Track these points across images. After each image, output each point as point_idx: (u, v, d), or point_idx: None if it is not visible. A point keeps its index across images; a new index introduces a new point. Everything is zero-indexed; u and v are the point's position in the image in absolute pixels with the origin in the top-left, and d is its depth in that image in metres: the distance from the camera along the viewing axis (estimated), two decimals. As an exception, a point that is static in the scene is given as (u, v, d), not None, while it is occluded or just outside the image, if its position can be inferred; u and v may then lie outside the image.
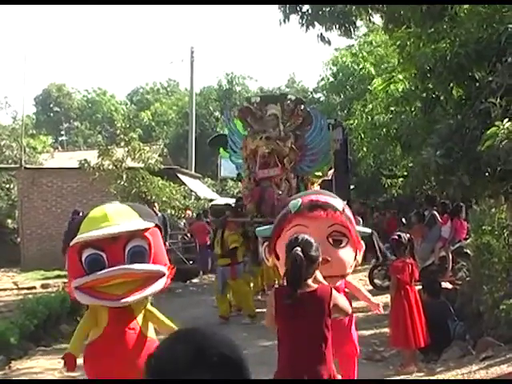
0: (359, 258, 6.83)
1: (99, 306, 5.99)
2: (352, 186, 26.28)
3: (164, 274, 6.13)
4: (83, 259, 5.89)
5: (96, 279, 5.79)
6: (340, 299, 5.52)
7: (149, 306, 6.28)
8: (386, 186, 23.75)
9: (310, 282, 5.30)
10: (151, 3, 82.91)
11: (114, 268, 5.78)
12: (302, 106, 16.10)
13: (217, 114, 51.38)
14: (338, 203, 6.60)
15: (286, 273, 5.34)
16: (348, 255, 6.63)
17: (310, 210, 6.43)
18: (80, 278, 5.88)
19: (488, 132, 7.84)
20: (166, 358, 2.00)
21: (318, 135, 15.70)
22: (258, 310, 14.43)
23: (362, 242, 6.86)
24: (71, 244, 6.01)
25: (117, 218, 5.95)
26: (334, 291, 5.36)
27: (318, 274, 5.50)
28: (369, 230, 8.61)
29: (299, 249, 5.22)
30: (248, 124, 16.37)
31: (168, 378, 1.93)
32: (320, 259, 5.42)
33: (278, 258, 6.75)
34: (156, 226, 6.29)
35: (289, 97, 16.86)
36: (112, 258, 5.84)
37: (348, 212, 6.68)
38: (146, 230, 6.07)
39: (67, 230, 6.29)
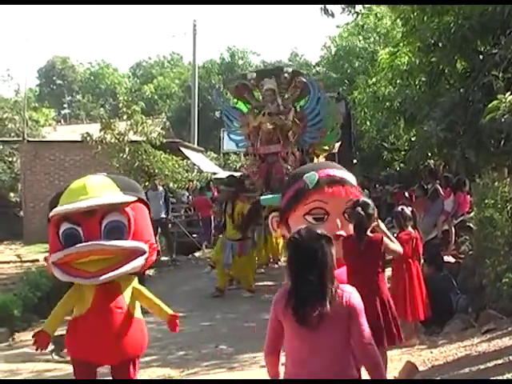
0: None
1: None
2: (355, 160, 26.26)
3: (144, 252, 5.81)
4: (60, 233, 5.70)
5: (68, 254, 5.58)
6: (390, 244, 7.06)
7: (136, 284, 6.03)
8: (388, 159, 23.74)
9: (368, 232, 6.80)
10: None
11: (85, 244, 5.55)
12: (300, 77, 16.01)
13: (219, 87, 51.25)
14: (352, 178, 6.61)
15: (353, 226, 6.48)
16: None
17: (328, 185, 6.36)
18: (56, 253, 5.68)
19: (490, 105, 7.80)
20: None
21: (317, 104, 15.62)
22: (261, 284, 14.50)
23: None
24: (49, 217, 5.84)
25: (95, 190, 5.70)
26: (384, 238, 6.90)
27: (382, 225, 7.14)
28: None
29: (360, 208, 6.51)
30: (246, 101, 16.32)
31: None
32: (375, 215, 6.84)
33: (290, 231, 6.76)
34: (139, 200, 5.98)
35: (285, 69, 16.73)
36: (88, 233, 5.61)
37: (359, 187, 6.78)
38: (127, 204, 5.77)
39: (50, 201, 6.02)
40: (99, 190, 5.71)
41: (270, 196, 7.83)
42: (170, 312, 6.07)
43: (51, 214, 5.76)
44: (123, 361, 5.82)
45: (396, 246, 7.20)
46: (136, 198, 5.89)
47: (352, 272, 6.40)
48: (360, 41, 30.16)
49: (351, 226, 6.53)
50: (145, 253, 5.80)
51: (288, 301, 4.27)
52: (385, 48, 19.18)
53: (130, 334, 5.70)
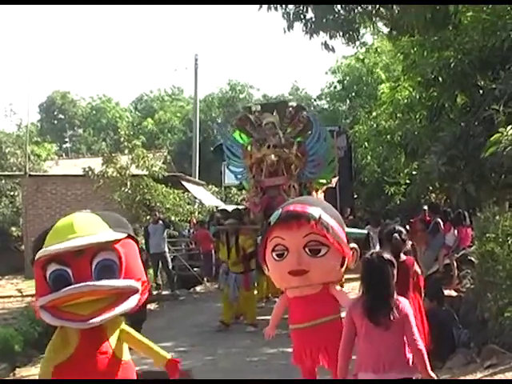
0: (349, 263, 6.80)
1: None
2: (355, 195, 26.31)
3: (137, 290, 5.50)
4: (47, 275, 5.33)
5: (59, 298, 5.21)
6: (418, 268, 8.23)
7: (124, 326, 5.67)
8: (390, 193, 23.78)
9: (401, 254, 7.93)
10: (156, 4, 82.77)
11: (78, 285, 5.19)
12: (303, 113, 16.08)
13: (219, 121, 51.40)
14: (315, 211, 6.54)
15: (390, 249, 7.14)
16: (328, 263, 6.58)
17: (284, 221, 6.49)
18: (44, 297, 5.30)
19: (491, 139, 7.86)
20: None
21: (318, 141, 15.67)
22: (261, 318, 14.45)
23: (354, 245, 6.89)
24: (36, 258, 5.42)
25: (83, 229, 5.38)
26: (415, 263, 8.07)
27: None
28: (365, 232, 8.67)
29: (396, 234, 7.82)
30: (248, 133, 16.38)
31: None
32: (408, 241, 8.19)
33: (268, 269, 6.86)
34: (129, 236, 5.68)
35: (290, 104, 16.84)
36: (78, 274, 5.27)
37: (327, 219, 6.58)
38: (117, 241, 5.45)
39: (34, 241, 5.68)
40: (88, 228, 5.41)
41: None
42: (168, 356, 5.77)
43: (38, 255, 5.36)
44: None
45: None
46: (126, 235, 5.61)
47: None
48: (364, 70, 30.27)
49: (319, 261, 6.46)
50: (137, 291, 5.51)
51: (363, 308, 5.59)
52: (386, 82, 19.31)
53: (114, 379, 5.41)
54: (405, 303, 5.65)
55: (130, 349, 5.72)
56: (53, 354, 5.43)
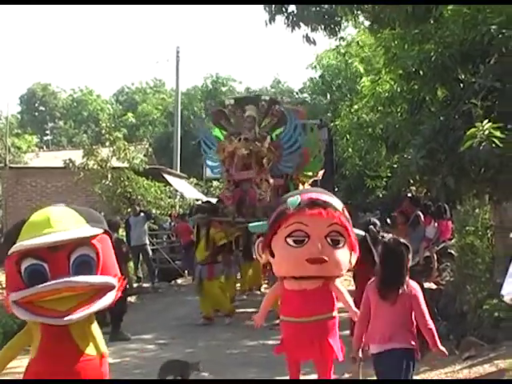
0: (353, 259, 6.88)
1: (32, 322, 5.30)
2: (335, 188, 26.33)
3: (114, 287, 5.40)
4: (22, 270, 5.18)
5: (36, 293, 5.09)
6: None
7: (92, 322, 5.49)
8: (371, 187, 23.82)
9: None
10: (138, 3, 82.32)
11: (57, 281, 5.07)
12: (277, 106, 16.10)
13: (201, 114, 51.29)
14: (338, 203, 6.63)
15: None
16: (344, 256, 6.68)
17: (310, 207, 6.42)
18: (18, 292, 5.15)
19: (468, 133, 7.90)
20: None
21: (293, 135, 15.69)
22: (243, 310, 14.45)
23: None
24: (9, 253, 5.26)
25: (61, 223, 5.24)
26: None
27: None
28: (362, 233, 8.65)
29: (372, 226, 8.72)
30: (222, 127, 16.39)
31: None
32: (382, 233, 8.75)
33: (272, 255, 6.77)
34: (105, 232, 5.56)
35: (263, 97, 16.86)
36: (55, 270, 5.14)
37: (346, 213, 6.71)
38: (94, 237, 5.36)
39: (5, 235, 5.48)
40: (65, 222, 5.28)
41: (259, 223, 7.81)
42: (103, 350, 5.49)
43: (13, 249, 5.19)
44: None
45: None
46: (103, 230, 5.51)
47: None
48: (347, 66, 30.26)
49: (338, 252, 6.54)
50: (114, 287, 5.41)
51: (377, 284, 6.30)
52: (365, 76, 19.33)
53: (83, 375, 5.25)
54: (415, 286, 6.32)
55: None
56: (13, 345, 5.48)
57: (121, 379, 9.02)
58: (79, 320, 5.21)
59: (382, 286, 6.28)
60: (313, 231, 6.43)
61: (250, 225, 8.32)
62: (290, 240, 6.51)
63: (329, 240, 6.49)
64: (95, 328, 5.52)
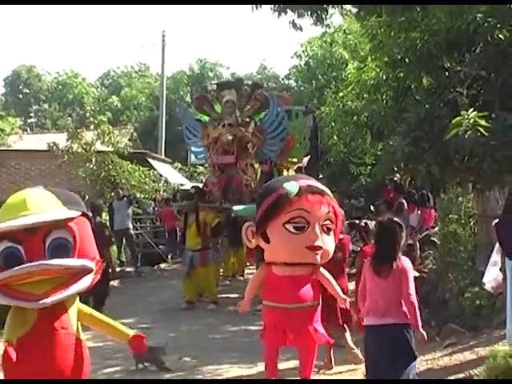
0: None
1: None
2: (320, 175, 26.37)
3: (91, 270, 5.31)
4: None
5: (9, 276, 4.99)
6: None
7: (79, 304, 5.49)
8: (356, 174, 23.87)
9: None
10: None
11: (31, 264, 4.98)
12: (260, 91, 16.09)
13: (187, 99, 51.12)
14: (328, 190, 6.68)
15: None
16: (333, 244, 6.74)
17: (312, 194, 6.42)
18: None
19: (453, 121, 7.91)
20: None
21: (276, 119, 15.70)
22: (225, 296, 14.47)
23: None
24: None
25: (37, 206, 5.14)
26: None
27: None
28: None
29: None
30: (205, 113, 16.38)
31: None
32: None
33: (267, 241, 6.70)
34: (84, 214, 5.45)
35: (245, 82, 16.92)
36: (30, 252, 5.05)
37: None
38: (71, 219, 5.24)
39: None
40: (41, 205, 5.18)
41: (244, 207, 7.81)
42: (131, 333, 5.61)
43: None
44: None
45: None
46: (80, 213, 5.38)
47: None
48: (332, 53, 30.28)
49: (330, 240, 6.56)
50: (91, 271, 5.32)
51: (371, 260, 6.83)
52: (350, 62, 19.33)
53: (75, 358, 5.25)
54: (407, 261, 6.79)
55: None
56: (12, 332, 5.23)
57: (121, 379, 9.05)
58: (70, 300, 5.26)
59: (376, 262, 6.75)
60: (313, 218, 6.40)
61: (235, 208, 8.31)
62: (289, 226, 6.43)
63: (324, 228, 6.49)
64: (95, 312, 5.64)
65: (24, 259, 5.03)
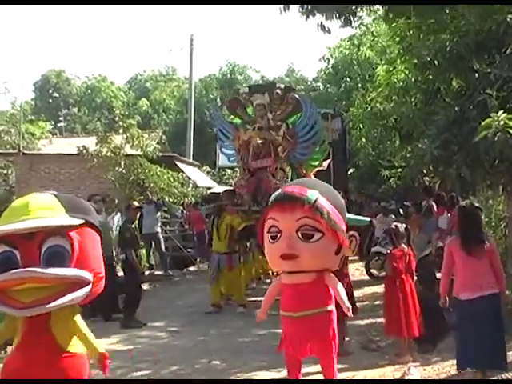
0: (346, 251, 6.55)
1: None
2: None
3: (88, 283, 5.11)
4: None
5: (2, 281, 4.88)
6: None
7: (76, 317, 5.25)
8: (386, 177, 23.80)
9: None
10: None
11: (21, 270, 4.85)
12: (292, 94, 16.06)
13: (218, 102, 51.19)
14: (313, 195, 6.28)
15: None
16: (321, 250, 6.29)
17: (280, 202, 6.30)
18: None
19: (483, 123, 7.83)
20: None
21: (309, 122, 15.65)
22: (252, 299, 14.45)
23: (354, 233, 6.61)
24: None
25: (37, 211, 5.05)
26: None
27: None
28: (367, 219, 8.57)
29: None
30: (238, 116, 16.40)
31: None
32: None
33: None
34: (88, 224, 5.29)
35: (278, 85, 16.87)
36: (26, 258, 4.93)
37: (324, 204, 6.29)
38: (71, 228, 5.08)
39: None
40: (42, 210, 5.08)
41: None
42: (101, 350, 5.24)
43: None
44: None
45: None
46: (83, 221, 5.21)
47: None
48: (358, 54, 30.19)
49: (311, 246, 6.20)
50: (89, 283, 5.12)
51: (461, 242, 7.83)
52: (382, 65, 19.24)
53: (58, 372, 5.01)
54: (492, 241, 8.20)
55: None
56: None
57: (121, 379, 9.07)
58: (58, 312, 5.03)
59: (467, 244, 7.80)
60: (283, 226, 6.25)
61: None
62: (268, 236, 6.40)
63: (299, 234, 6.20)
64: (80, 324, 5.26)
65: (20, 264, 4.93)
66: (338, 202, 6.60)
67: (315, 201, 6.24)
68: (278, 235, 6.29)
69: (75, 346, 5.14)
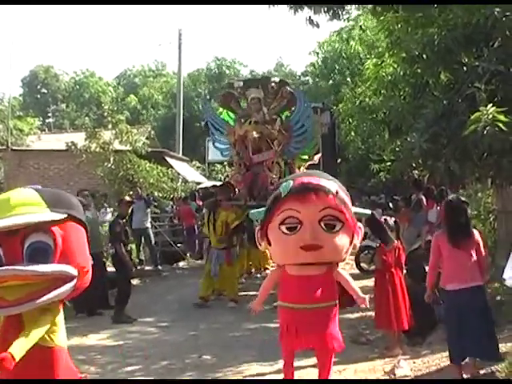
0: (357, 242, 6.51)
1: None
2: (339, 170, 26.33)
3: (72, 278, 4.98)
4: None
5: None
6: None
7: (47, 311, 5.02)
8: (375, 171, 23.83)
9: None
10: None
11: (1, 268, 4.73)
12: (287, 88, 16.07)
13: (206, 96, 51.15)
14: (332, 185, 6.32)
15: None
16: (342, 240, 6.32)
17: (300, 192, 6.19)
18: None
19: (472, 117, 7.84)
20: None
21: (302, 116, 15.67)
22: (244, 294, 14.46)
23: (361, 225, 6.61)
24: None
25: (19, 207, 4.92)
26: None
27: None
28: (368, 211, 8.55)
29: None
30: (232, 110, 16.38)
31: None
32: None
33: (269, 243, 6.57)
34: (72, 218, 5.13)
35: (272, 79, 16.88)
36: (8, 255, 4.83)
37: (343, 194, 6.37)
38: (54, 223, 4.93)
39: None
40: (23, 206, 4.94)
41: (258, 210, 7.62)
42: (9, 350, 4.69)
43: None
44: None
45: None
46: (65, 216, 5.04)
47: None
48: (347, 48, 30.23)
49: (334, 237, 6.23)
50: (73, 278, 4.99)
51: (448, 235, 7.96)
52: (371, 59, 19.24)
53: (40, 368, 4.93)
54: (477, 234, 8.16)
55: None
56: None
57: (121, 379, 9.07)
58: (33, 309, 4.88)
59: (453, 237, 7.91)
60: (305, 217, 6.19)
61: (250, 212, 8.15)
62: (283, 227, 6.28)
63: (322, 225, 6.21)
64: (54, 317, 5.07)
65: (3, 262, 4.83)
66: (347, 193, 6.62)
67: (337, 191, 6.29)
68: (298, 226, 6.23)
69: (46, 339, 4.97)
